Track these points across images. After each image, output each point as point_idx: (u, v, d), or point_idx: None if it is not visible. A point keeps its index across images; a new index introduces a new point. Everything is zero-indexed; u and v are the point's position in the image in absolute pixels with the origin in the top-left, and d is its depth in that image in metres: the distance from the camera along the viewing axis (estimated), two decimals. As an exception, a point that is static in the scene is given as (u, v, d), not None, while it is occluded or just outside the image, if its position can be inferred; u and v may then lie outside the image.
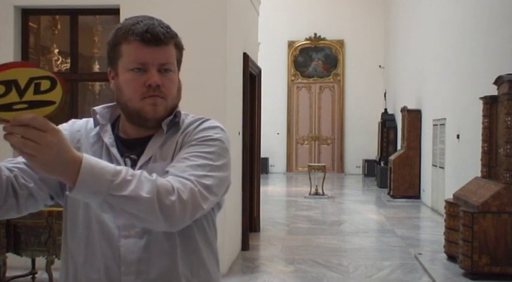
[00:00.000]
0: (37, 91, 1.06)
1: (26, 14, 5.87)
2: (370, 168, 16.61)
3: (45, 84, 1.06)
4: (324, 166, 12.61)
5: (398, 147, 13.51)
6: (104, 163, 1.18)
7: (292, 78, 18.33)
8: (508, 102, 5.41)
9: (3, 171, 1.28)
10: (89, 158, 1.15)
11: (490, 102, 5.91)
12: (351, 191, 13.71)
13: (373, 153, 16.92)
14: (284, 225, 8.54)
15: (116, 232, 1.35)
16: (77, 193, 1.14)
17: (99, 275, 1.36)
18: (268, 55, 15.34)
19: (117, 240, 1.34)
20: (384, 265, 6.14)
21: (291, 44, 18.24)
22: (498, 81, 5.70)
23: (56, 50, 6.44)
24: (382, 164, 14.04)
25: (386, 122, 14.65)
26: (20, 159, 1.32)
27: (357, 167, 17.75)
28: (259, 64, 8.02)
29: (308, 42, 18.26)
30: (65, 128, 1.48)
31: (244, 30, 6.87)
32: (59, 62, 6.43)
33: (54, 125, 1.09)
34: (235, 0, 6.10)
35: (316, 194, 11.96)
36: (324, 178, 12.19)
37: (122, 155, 1.41)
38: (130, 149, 1.42)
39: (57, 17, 6.27)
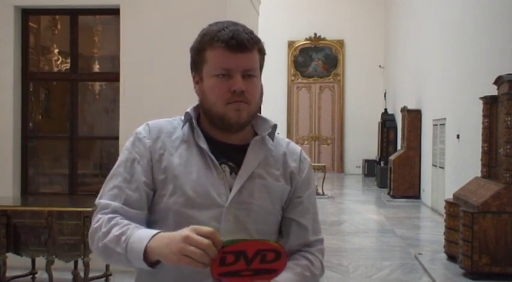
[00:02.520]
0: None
1: (26, 14, 5.86)
2: (370, 168, 16.61)
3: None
4: (324, 166, 12.61)
5: (398, 147, 13.51)
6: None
7: (292, 78, 18.33)
8: (508, 102, 5.41)
9: None
10: None
11: (490, 102, 5.91)
12: (351, 191, 13.71)
13: (373, 153, 16.92)
14: (284, 225, 8.53)
15: None
16: None
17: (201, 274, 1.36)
18: (268, 55, 15.23)
19: None
20: (384, 265, 6.14)
21: (291, 44, 18.24)
22: (498, 81, 5.70)
23: (56, 50, 6.43)
24: (382, 164, 14.05)
25: (387, 122, 14.65)
26: (120, 208, 1.38)
27: (357, 167, 17.75)
28: (259, 64, 8.01)
29: (308, 42, 18.26)
30: (144, 135, 1.46)
31: (244, 30, 6.86)
32: (59, 62, 6.42)
33: None
34: (235, 0, 6.10)
35: (316, 194, 11.93)
36: (324, 178, 12.19)
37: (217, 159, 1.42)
38: (224, 154, 1.43)
39: (57, 17, 6.26)
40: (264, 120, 1.50)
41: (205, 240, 1.15)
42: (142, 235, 1.27)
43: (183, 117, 1.48)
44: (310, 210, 1.52)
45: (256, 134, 1.48)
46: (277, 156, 1.48)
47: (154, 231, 1.27)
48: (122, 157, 1.45)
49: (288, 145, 1.53)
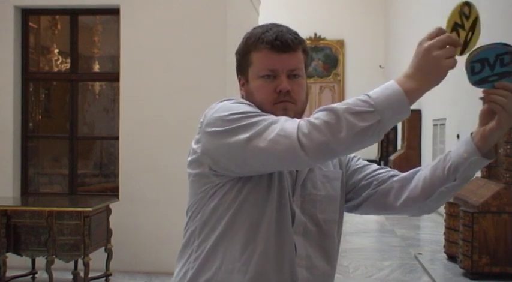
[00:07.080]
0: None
1: (26, 14, 5.87)
2: (370, 168, 16.59)
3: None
4: (324, 166, 12.60)
5: (399, 147, 13.52)
6: None
7: (292, 78, 18.34)
8: (508, 102, 5.41)
9: None
10: None
11: (490, 102, 5.91)
12: (351, 191, 13.68)
13: (373, 153, 16.90)
14: (284, 225, 8.53)
15: (290, 226, 1.40)
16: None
17: (281, 261, 1.39)
18: (268, 55, 15.28)
19: (291, 234, 1.40)
20: (384, 265, 6.14)
21: (291, 44, 18.24)
22: (498, 81, 5.70)
23: (56, 50, 6.43)
24: (382, 164, 14.05)
25: (387, 122, 14.64)
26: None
27: (357, 167, 17.74)
28: (259, 64, 8.01)
29: (308, 42, 18.23)
30: None
31: (244, 30, 6.85)
32: (59, 62, 6.42)
33: None
34: (235, 0, 6.10)
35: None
36: (324, 178, 12.16)
37: None
38: None
39: (57, 17, 6.27)
40: None
41: (442, 36, 1.29)
42: (380, 88, 1.31)
43: None
44: (368, 163, 1.60)
45: None
46: None
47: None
48: (240, 109, 1.32)
49: None
